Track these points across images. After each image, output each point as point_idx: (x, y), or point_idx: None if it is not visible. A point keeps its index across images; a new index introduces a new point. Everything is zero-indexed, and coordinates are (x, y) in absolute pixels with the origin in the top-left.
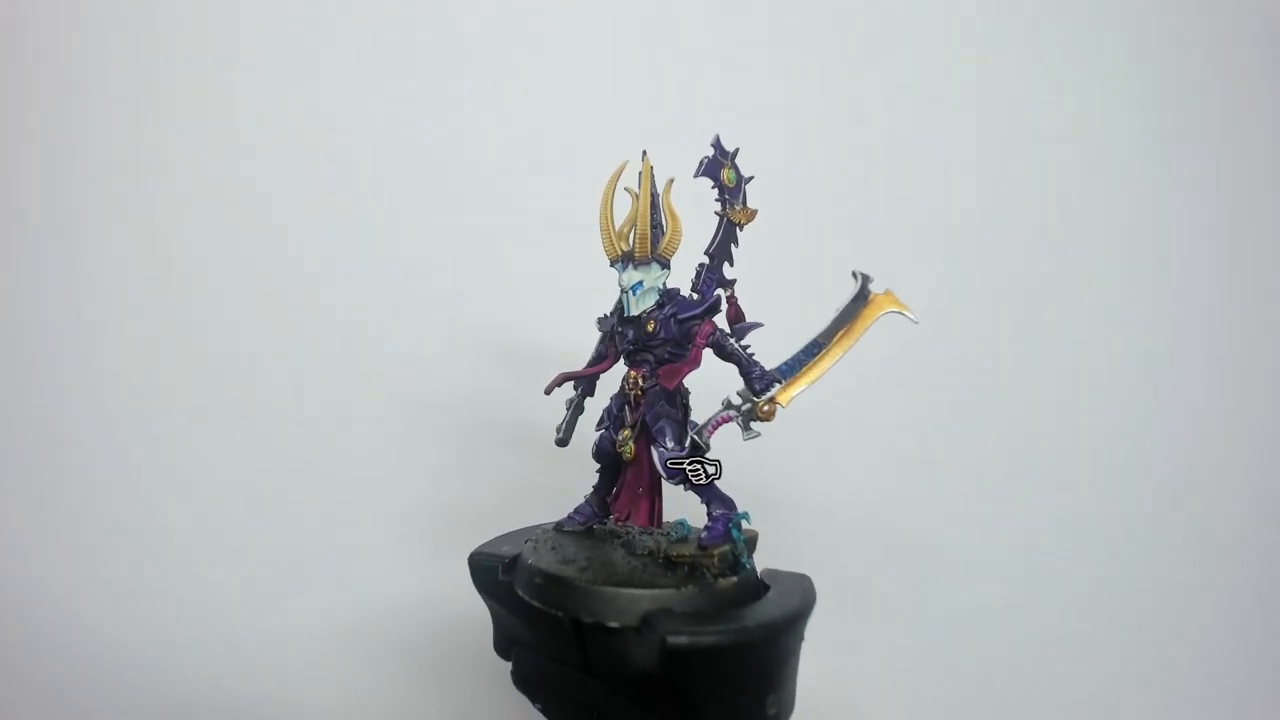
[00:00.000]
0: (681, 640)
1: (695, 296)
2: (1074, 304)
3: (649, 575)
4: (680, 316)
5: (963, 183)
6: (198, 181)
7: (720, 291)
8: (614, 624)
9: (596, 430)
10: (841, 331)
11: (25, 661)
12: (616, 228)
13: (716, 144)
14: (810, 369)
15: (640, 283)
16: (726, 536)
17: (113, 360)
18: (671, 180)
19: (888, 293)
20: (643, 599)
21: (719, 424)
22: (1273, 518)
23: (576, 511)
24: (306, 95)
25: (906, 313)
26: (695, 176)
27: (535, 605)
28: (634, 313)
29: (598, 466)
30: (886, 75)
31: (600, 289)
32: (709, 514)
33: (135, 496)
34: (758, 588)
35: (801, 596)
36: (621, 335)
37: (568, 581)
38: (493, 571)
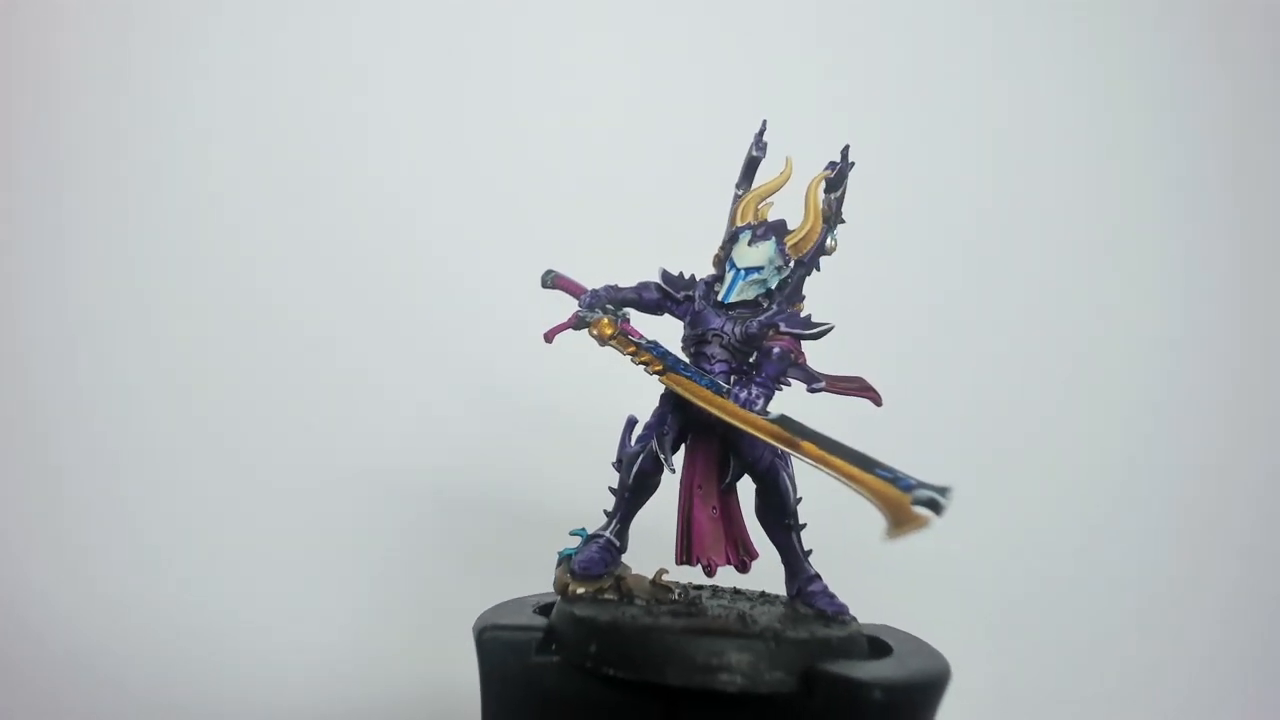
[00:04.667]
0: (888, 696)
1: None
2: (1079, 306)
3: (775, 627)
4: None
5: (966, 185)
6: (187, 197)
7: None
8: (764, 690)
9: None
10: (861, 471)
11: (19, 666)
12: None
13: (844, 153)
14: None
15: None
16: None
17: (105, 367)
18: (825, 174)
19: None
20: (793, 654)
21: None
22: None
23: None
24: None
25: (894, 529)
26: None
27: (623, 679)
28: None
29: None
30: (893, 79)
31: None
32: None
33: (129, 502)
34: (874, 643)
35: (937, 653)
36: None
37: (682, 636)
38: (519, 650)
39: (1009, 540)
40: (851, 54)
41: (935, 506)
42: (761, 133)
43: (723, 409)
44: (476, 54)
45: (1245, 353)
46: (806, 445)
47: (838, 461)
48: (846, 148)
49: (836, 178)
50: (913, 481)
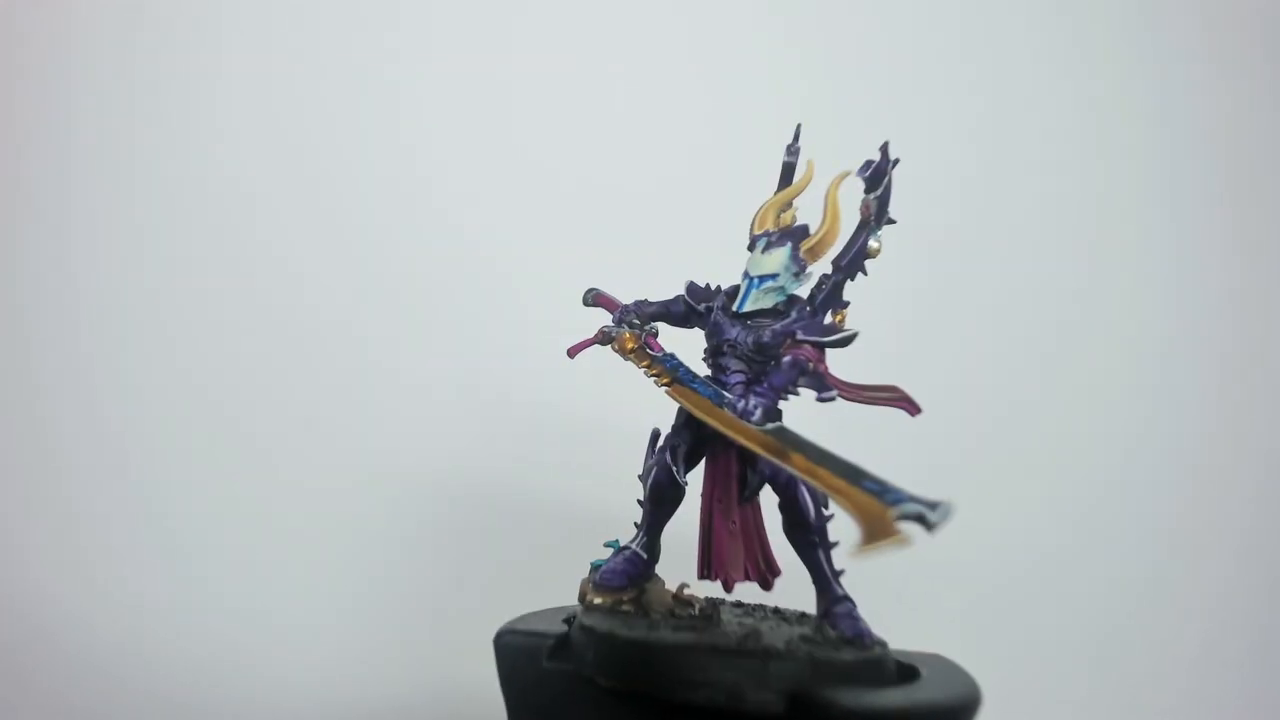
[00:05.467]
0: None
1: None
2: (1078, 304)
3: (773, 646)
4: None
5: (964, 183)
6: (197, 190)
7: (829, 318)
8: (748, 710)
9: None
10: (846, 483)
11: (27, 664)
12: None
13: (884, 150)
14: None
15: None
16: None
17: (111, 362)
18: (845, 174)
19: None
20: (784, 674)
21: None
22: (1275, 517)
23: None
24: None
25: (866, 543)
26: (858, 175)
27: (615, 690)
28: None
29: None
30: (886, 77)
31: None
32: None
33: (136, 499)
34: (902, 668)
35: (971, 683)
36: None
37: (671, 651)
38: (532, 656)
39: (1009, 540)
40: (847, 55)
41: (924, 522)
42: (795, 138)
43: (720, 420)
44: (492, 51)
45: (1239, 349)
46: (796, 457)
47: (824, 473)
48: (886, 144)
49: (874, 176)
50: (903, 496)
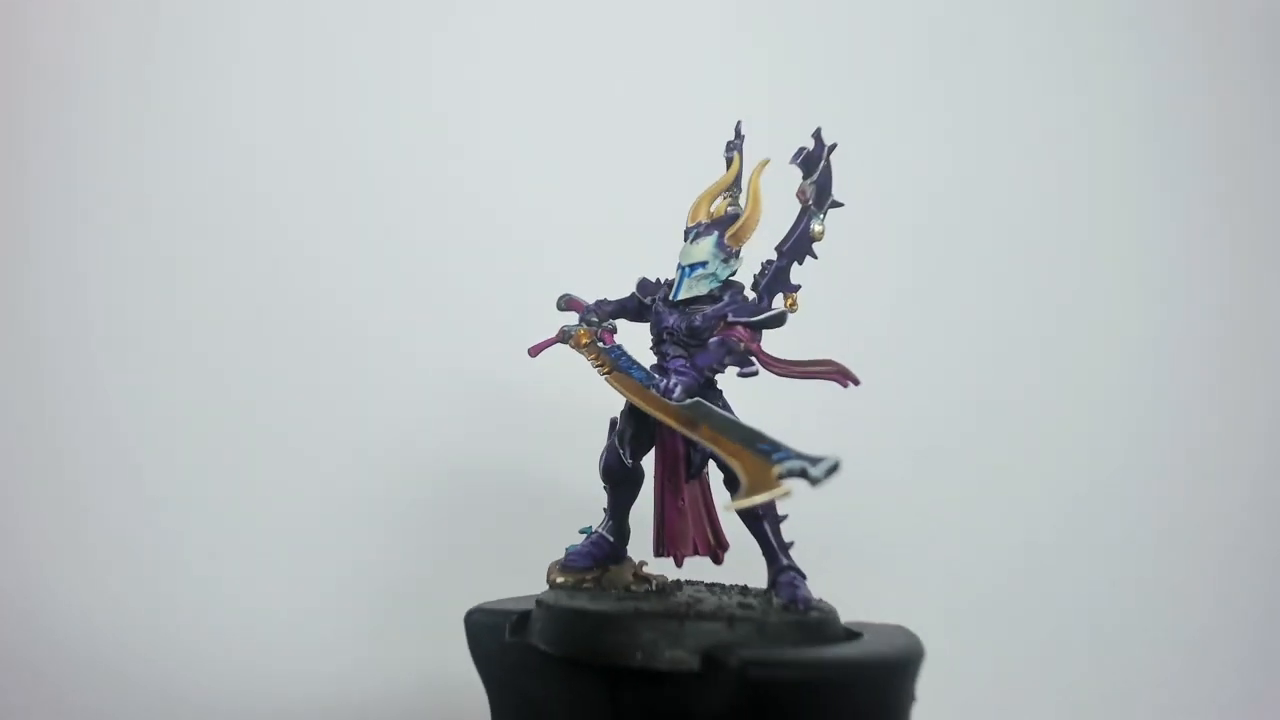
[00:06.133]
0: (764, 673)
1: (752, 296)
2: (1074, 301)
3: (700, 610)
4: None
5: (961, 181)
6: (202, 184)
7: (780, 301)
8: (662, 667)
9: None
10: (741, 447)
11: (31, 664)
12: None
13: (817, 136)
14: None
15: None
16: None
17: (116, 361)
18: (766, 161)
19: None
20: (701, 633)
21: None
22: (1273, 517)
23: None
24: (319, 96)
25: (746, 494)
26: (791, 162)
27: (556, 656)
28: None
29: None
30: (877, 71)
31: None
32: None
33: (140, 499)
34: (844, 632)
35: (906, 644)
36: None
37: (599, 617)
38: (496, 632)
39: (1006, 540)
40: (844, 53)
41: (807, 476)
42: (736, 134)
43: (647, 400)
44: (497, 53)
45: (1235, 347)
46: (702, 428)
47: (724, 440)
48: (819, 130)
49: (807, 162)
50: (789, 454)
